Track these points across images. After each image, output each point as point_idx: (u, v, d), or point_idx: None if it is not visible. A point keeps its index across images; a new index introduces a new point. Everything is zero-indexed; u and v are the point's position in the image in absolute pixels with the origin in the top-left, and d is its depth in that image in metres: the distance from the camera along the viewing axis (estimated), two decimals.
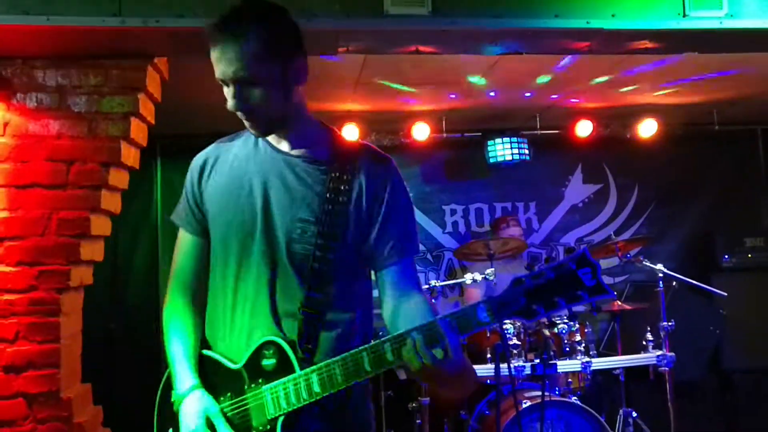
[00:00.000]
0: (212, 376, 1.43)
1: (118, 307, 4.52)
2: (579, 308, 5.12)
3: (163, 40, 2.67)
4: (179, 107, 3.70)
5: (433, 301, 3.72)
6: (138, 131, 2.85)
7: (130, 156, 2.86)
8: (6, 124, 2.71)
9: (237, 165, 1.48)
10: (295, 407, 1.30)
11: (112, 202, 2.84)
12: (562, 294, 1.10)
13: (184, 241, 1.54)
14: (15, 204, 2.68)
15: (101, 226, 2.82)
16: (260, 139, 1.48)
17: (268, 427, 1.32)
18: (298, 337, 1.35)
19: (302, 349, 1.34)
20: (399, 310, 1.40)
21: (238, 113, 1.37)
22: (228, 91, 1.35)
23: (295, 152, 1.45)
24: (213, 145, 1.56)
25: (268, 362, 1.33)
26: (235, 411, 1.37)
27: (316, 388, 1.28)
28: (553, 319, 3.69)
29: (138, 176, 3.10)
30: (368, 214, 1.41)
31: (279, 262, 1.39)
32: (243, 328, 1.40)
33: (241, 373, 1.37)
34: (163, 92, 3.00)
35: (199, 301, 1.53)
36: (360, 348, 1.26)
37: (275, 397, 1.31)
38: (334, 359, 1.28)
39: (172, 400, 1.43)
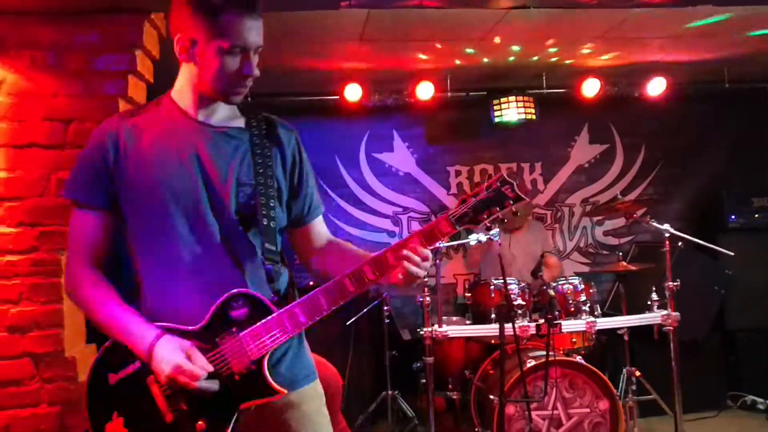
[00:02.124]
0: None
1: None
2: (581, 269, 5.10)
3: None
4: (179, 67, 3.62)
5: (437, 262, 3.70)
6: (136, 89, 2.79)
7: None
8: (1, 82, 2.65)
9: (159, 139, 1.49)
10: (280, 342, 1.40)
11: None
12: (496, 204, 1.44)
13: (90, 217, 1.49)
14: (14, 164, 2.65)
15: None
16: (174, 113, 1.51)
17: (253, 367, 1.39)
18: (268, 283, 1.46)
19: (274, 293, 1.45)
20: (336, 250, 1.64)
21: (248, 81, 1.46)
22: (234, 61, 1.42)
23: (216, 124, 1.52)
24: (114, 119, 1.53)
25: (239, 312, 1.41)
26: (213, 364, 1.39)
27: (302, 318, 1.40)
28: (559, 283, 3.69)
29: None
30: (291, 176, 1.57)
31: (228, 224, 1.46)
32: (201, 292, 1.43)
33: (205, 331, 1.41)
34: (162, 51, 2.93)
35: (109, 278, 1.50)
36: (340, 276, 1.41)
37: (257, 339, 1.39)
38: (315, 290, 1.41)
39: (137, 358, 1.41)
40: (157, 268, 1.47)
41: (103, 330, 1.46)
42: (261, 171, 1.50)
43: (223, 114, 1.54)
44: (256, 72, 1.45)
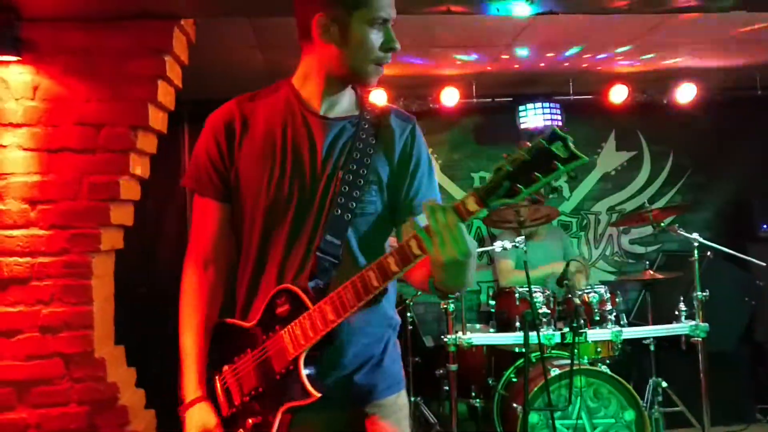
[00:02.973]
0: (227, 342, 1.45)
1: (149, 272, 4.57)
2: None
3: (189, 0, 2.62)
4: (206, 72, 3.68)
5: None
6: (165, 94, 2.83)
7: (158, 119, 2.85)
8: (35, 88, 2.71)
9: (272, 130, 1.44)
10: (313, 341, 1.32)
11: (141, 166, 2.85)
12: (539, 169, 1.12)
13: (208, 208, 1.48)
14: (47, 168, 2.70)
15: (130, 190, 2.83)
16: (292, 102, 1.45)
17: (291, 367, 1.34)
18: (309, 278, 1.37)
19: (312, 289, 1.35)
20: None
21: (388, 56, 1.41)
22: (378, 35, 1.39)
23: (332, 115, 1.47)
24: (232, 103, 1.48)
25: (282, 309, 1.35)
26: (257, 363, 1.38)
27: (330, 316, 1.30)
28: (584, 291, 3.63)
29: (166, 142, 3.09)
30: (397, 166, 1.47)
31: (306, 217, 1.41)
32: (269, 285, 1.41)
33: (256, 329, 1.39)
34: (190, 56, 2.97)
35: (221, 273, 1.51)
36: (366, 268, 1.28)
37: (293, 337, 1.33)
38: (343, 285, 1.30)
39: (179, 405, 1.45)
40: (243, 258, 1.46)
41: None
42: (357, 158, 1.41)
43: (344, 104, 1.48)
44: (398, 45, 1.41)
